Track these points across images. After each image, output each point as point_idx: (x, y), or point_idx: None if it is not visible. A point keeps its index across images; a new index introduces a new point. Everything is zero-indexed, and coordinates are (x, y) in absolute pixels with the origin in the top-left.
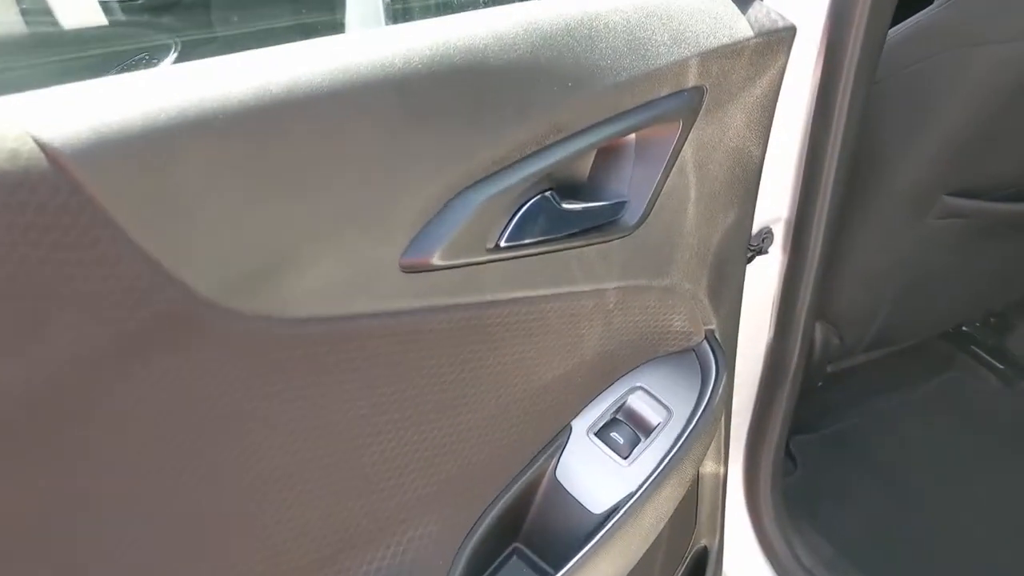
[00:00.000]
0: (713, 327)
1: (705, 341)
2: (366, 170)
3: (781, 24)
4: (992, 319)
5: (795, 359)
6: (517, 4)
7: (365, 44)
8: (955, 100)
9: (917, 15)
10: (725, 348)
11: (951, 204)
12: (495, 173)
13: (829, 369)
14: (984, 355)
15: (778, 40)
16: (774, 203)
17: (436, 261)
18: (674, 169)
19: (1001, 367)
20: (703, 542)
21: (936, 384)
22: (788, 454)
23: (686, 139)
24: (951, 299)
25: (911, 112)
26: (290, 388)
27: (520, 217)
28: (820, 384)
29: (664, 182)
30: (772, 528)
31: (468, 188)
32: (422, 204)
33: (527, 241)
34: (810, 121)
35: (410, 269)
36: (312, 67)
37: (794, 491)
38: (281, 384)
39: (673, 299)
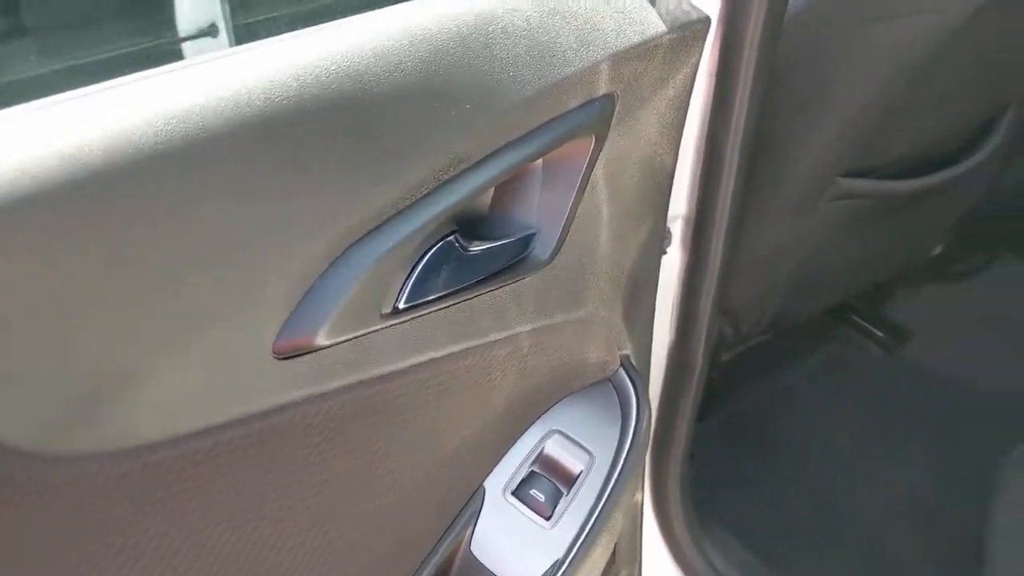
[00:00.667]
0: (628, 352)
1: (621, 368)
2: (221, 242)
3: (695, 16)
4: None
5: (699, 360)
6: (395, 6)
7: (210, 76)
8: (858, 77)
9: None
10: (639, 368)
11: (845, 185)
12: (388, 221)
13: (724, 359)
14: (864, 324)
15: (692, 34)
16: (672, 201)
17: (320, 340)
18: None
19: (881, 335)
20: (623, 573)
21: (819, 359)
22: None
23: (599, 155)
24: (841, 277)
25: (810, 91)
26: (141, 531)
27: (421, 270)
28: (715, 375)
29: (577, 206)
30: (683, 536)
31: (356, 244)
32: (299, 271)
33: (431, 297)
34: (708, 112)
35: (287, 354)
36: (140, 113)
37: (699, 490)
38: (130, 529)
39: (588, 330)
